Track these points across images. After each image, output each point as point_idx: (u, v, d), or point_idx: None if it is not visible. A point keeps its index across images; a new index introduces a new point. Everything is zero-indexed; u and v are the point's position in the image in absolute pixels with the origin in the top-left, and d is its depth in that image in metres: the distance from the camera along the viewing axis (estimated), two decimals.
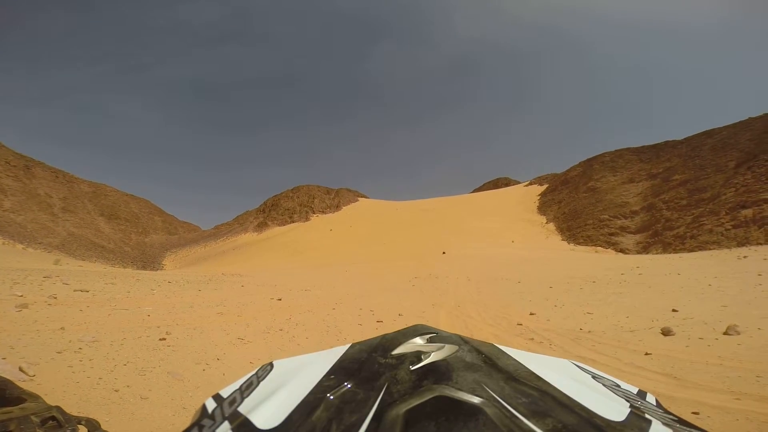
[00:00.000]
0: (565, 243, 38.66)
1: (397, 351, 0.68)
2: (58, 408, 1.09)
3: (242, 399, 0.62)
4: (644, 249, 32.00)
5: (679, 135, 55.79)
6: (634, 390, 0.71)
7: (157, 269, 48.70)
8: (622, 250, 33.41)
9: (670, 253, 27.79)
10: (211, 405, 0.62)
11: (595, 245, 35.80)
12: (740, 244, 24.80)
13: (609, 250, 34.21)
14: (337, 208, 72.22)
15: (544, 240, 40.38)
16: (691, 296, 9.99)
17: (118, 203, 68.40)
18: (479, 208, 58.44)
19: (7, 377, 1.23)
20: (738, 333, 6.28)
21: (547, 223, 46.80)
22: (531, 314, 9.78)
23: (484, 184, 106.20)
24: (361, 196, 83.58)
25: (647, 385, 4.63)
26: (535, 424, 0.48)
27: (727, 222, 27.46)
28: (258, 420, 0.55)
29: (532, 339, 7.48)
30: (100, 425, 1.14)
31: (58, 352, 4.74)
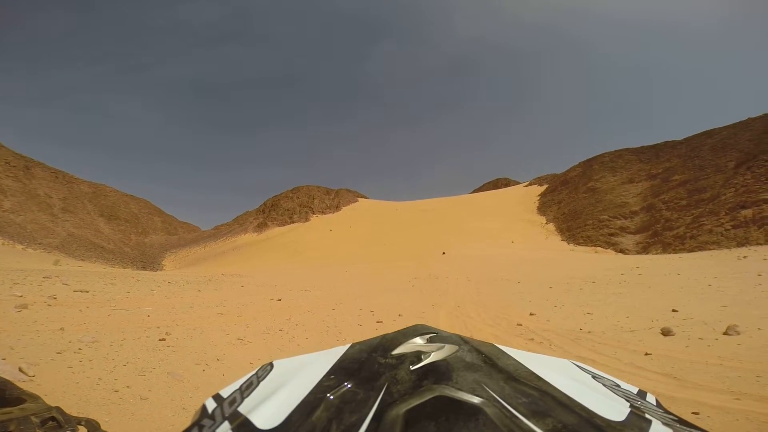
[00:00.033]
0: (564, 243, 38.66)
1: (397, 351, 0.68)
2: (58, 408, 1.09)
3: (242, 399, 0.62)
4: (644, 249, 32.01)
5: (679, 135, 55.87)
6: (634, 390, 0.71)
7: (157, 270, 48.68)
8: (621, 251, 33.41)
9: (669, 253, 27.80)
10: (211, 405, 0.62)
11: (595, 245, 35.80)
12: (740, 245, 24.81)
13: (609, 250, 34.21)
14: (337, 208, 72.22)
15: (544, 240, 40.38)
16: (691, 296, 10.00)
17: (117, 204, 68.38)
18: (479, 209, 58.44)
19: (7, 378, 1.23)
20: (738, 333, 6.28)
21: (546, 223, 46.81)
22: (531, 314, 9.78)
23: (483, 185, 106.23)
24: (361, 197, 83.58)
25: (647, 385, 4.63)
26: (535, 424, 0.48)
27: (726, 222, 27.47)
28: (258, 420, 0.55)
29: (532, 339, 7.48)
30: (99, 426, 1.14)
31: (58, 353, 4.74)
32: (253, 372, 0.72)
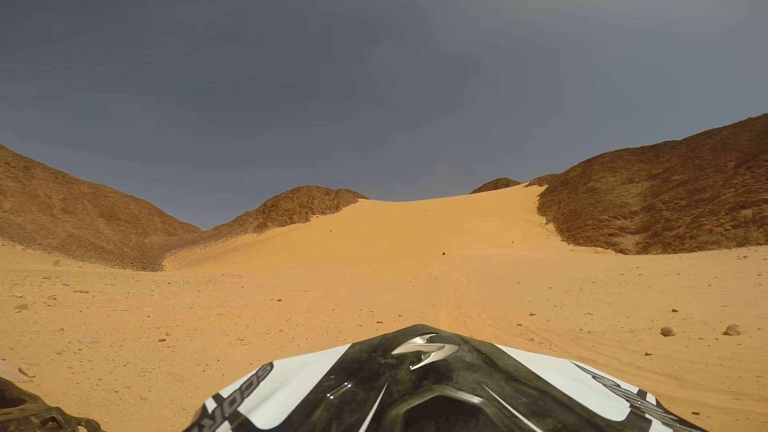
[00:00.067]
0: (564, 243, 38.66)
1: (397, 351, 0.68)
2: (58, 409, 1.09)
3: (242, 399, 0.62)
4: (644, 249, 32.01)
5: (679, 135, 55.87)
6: (634, 390, 0.71)
7: (157, 270, 48.67)
8: (621, 251, 33.41)
9: (669, 253, 27.80)
10: (211, 405, 0.62)
11: (595, 246, 35.80)
12: (740, 245, 24.81)
13: (609, 250, 34.21)
14: (337, 208, 72.22)
15: (544, 240, 40.38)
16: (691, 296, 10.00)
17: (117, 204, 68.37)
18: (479, 209, 58.44)
19: (7, 378, 1.23)
20: (738, 333, 6.28)
21: (546, 223, 46.81)
22: (531, 315, 9.77)
23: (483, 185, 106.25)
24: (361, 197, 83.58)
25: (647, 385, 4.62)
26: (535, 424, 0.48)
27: (726, 222, 27.48)
28: (258, 420, 0.55)
29: (532, 339, 7.48)
30: (99, 426, 1.14)
31: (58, 353, 4.74)
32: (253, 372, 0.72)
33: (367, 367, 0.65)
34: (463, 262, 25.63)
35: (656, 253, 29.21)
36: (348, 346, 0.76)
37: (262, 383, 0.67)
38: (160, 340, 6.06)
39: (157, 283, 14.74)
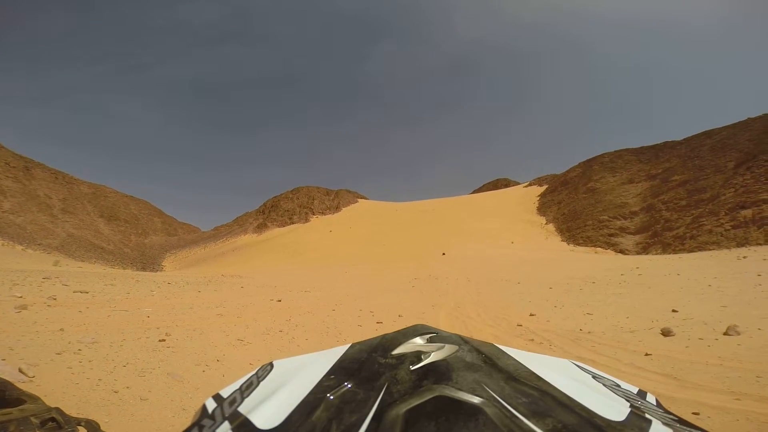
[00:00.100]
0: (564, 244, 38.66)
1: (397, 351, 0.68)
2: (58, 409, 1.09)
3: (242, 399, 0.62)
4: (644, 250, 32.01)
5: (679, 135, 55.82)
6: (635, 390, 0.71)
7: (157, 270, 48.66)
8: (621, 251, 33.41)
9: (669, 253, 27.80)
10: (211, 405, 0.62)
11: (595, 246, 35.80)
12: (740, 245, 24.81)
13: (608, 250, 34.21)
14: (337, 209, 72.21)
15: (544, 241, 40.38)
16: (691, 297, 9.99)
17: (117, 204, 68.35)
18: (479, 209, 58.44)
19: (7, 378, 1.23)
20: (738, 333, 6.28)
21: (546, 224, 46.81)
22: (531, 315, 9.77)
23: (483, 185, 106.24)
24: (361, 197, 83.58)
25: (647, 385, 4.62)
26: (535, 424, 0.48)
27: (726, 222, 27.48)
28: (258, 420, 0.55)
29: (532, 340, 7.48)
30: (99, 426, 1.14)
31: (58, 354, 4.73)
32: (253, 372, 0.72)
33: (367, 367, 0.65)
34: (463, 262, 25.63)
35: (656, 254, 29.21)
36: (348, 346, 0.76)
37: (262, 383, 0.67)
38: (160, 341, 6.06)
39: (157, 283, 14.74)
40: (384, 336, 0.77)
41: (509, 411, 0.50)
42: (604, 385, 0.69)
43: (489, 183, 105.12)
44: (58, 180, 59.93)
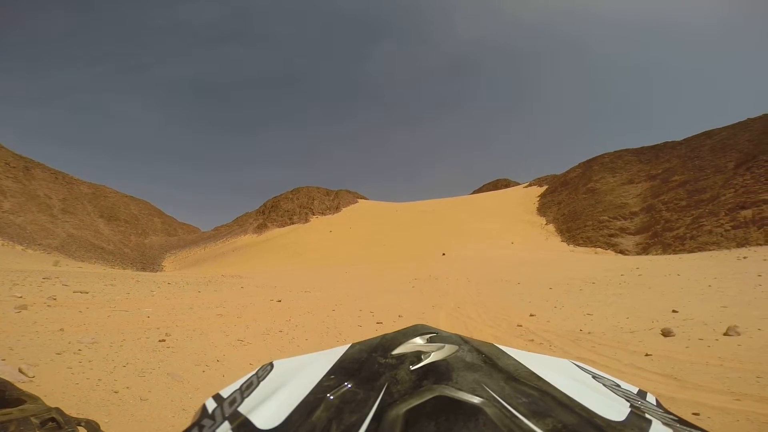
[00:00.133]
0: (564, 244, 38.65)
1: (397, 351, 0.68)
2: (58, 409, 1.09)
3: (242, 399, 0.62)
4: (644, 250, 32.00)
5: (679, 136, 55.82)
6: (635, 390, 0.71)
7: (157, 271, 48.66)
8: (621, 251, 33.41)
9: (669, 254, 27.79)
10: (211, 405, 0.62)
11: (595, 246, 35.79)
12: (740, 245, 24.81)
13: (608, 251, 34.20)
14: (337, 209, 72.21)
15: (544, 241, 40.38)
16: (691, 297, 9.99)
17: (117, 205, 68.36)
18: (479, 210, 58.44)
19: (7, 378, 1.23)
20: (738, 334, 6.28)
21: (546, 224, 46.80)
22: (531, 315, 9.77)
23: (483, 186, 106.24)
24: (361, 198, 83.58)
25: (647, 386, 4.62)
26: (535, 424, 0.48)
27: (726, 223, 27.48)
28: (258, 420, 0.55)
29: (532, 340, 7.48)
30: (99, 427, 1.14)
31: (58, 354, 4.73)
32: (254, 372, 0.72)
33: (367, 367, 0.65)
34: (463, 262, 25.63)
35: (656, 254, 29.20)
36: (348, 346, 0.76)
37: (262, 383, 0.67)
38: (159, 341, 6.06)
39: (157, 283, 14.73)
40: (384, 336, 0.77)
41: (509, 411, 0.50)
42: (604, 385, 0.69)
43: (489, 183, 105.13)
44: (58, 180, 59.94)
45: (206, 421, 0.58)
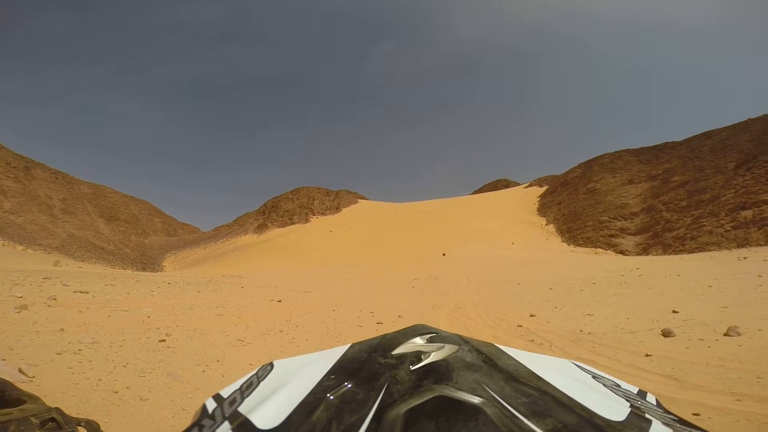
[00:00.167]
0: (565, 245, 38.64)
1: (397, 351, 0.68)
2: (58, 409, 1.09)
3: (242, 399, 0.62)
4: (644, 250, 31.99)
5: (679, 136, 55.78)
6: (635, 390, 0.71)
7: (157, 271, 48.67)
8: (622, 252, 33.40)
9: (670, 254, 27.78)
10: (211, 405, 0.62)
11: (595, 247, 35.78)
12: (740, 246, 24.80)
13: (609, 251, 34.19)
14: (337, 209, 72.22)
15: (544, 242, 40.37)
16: (692, 297, 9.98)
17: (117, 205, 68.38)
18: (479, 210, 58.43)
19: (7, 378, 1.23)
20: (738, 334, 6.27)
21: (547, 224, 46.79)
22: (531, 316, 9.77)
23: (483, 186, 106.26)
24: (361, 198, 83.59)
25: (648, 386, 4.61)
26: (535, 424, 0.48)
27: (726, 223, 27.47)
28: (258, 420, 0.55)
29: (533, 341, 7.47)
30: (99, 427, 1.14)
31: (58, 354, 4.73)
32: (254, 372, 0.72)
33: (367, 367, 0.65)
34: (463, 263, 25.62)
35: (656, 254, 29.19)
36: (348, 346, 0.76)
37: (262, 383, 0.67)
38: (160, 341, 6.06)
39: (157, 283, 14.74)
40: (384, 336, 0.77)
41: (509, 411, 0.50)
42: (604, 385, 0.69)
43: (489, 184, 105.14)
44: (59, 180, 59.97)
45: (206, 421, 0.58)
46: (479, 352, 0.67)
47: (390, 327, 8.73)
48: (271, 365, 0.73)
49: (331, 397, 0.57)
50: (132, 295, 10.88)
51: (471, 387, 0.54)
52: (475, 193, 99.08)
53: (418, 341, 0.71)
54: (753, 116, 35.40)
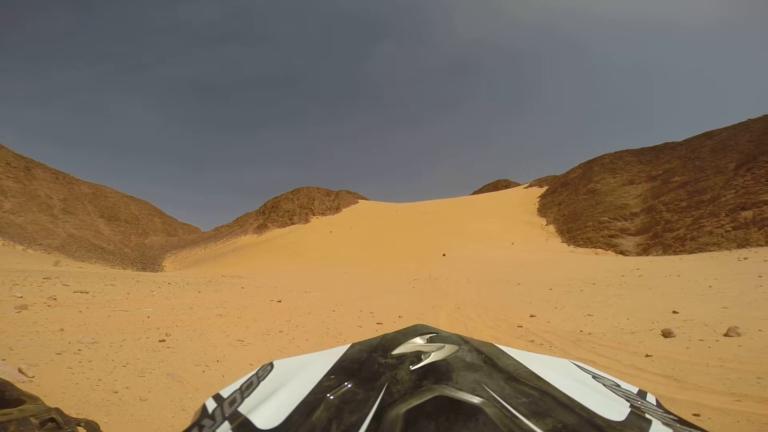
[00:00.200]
0: (565, 245, 38.64)
1: (397, 351, 0.68)
2: (58, 410, 1.09)
3: (242, 399, 0.62)
4: (644, 251, 31.99)
5: (679, 136, 55.80)
6: (635, 390, 0.71)
7: (157, 271, 48.67)
8: (622, 252, 33.39)
9: (670, 254, 27.78)
10: (211, 405, 0.62)
11: (595, 247, 35.78)
12: (740, 246, 24.79)
13: (609, 252, 34.19)
14: (337, 209, 72.23)
15: (544, 242, 40.36)
16: (692, 298, 9.98)
17: (118, 205, 68.40)
18: (479, 210, 58.44)
19: (7, 379, 1.23)
20: (738, 335, 6.27)
21: (547, 225, 46.80)
22: (531, 316, 9.76)
23: (483, 186, 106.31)
24: (361, 198, 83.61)
25: (648, 387, 4.60)
26: (535, 424, 0.48)
27: (727, 224, 27.46)
28: (258, 420, 0.55)
29: (533, 341, 7.47)
30: (99, 427, 1.14)
31: (58, 354, 4.73)
32: (254, 372, 0.72)
33: (367, 367, 0.65)
34: (463, 263, 25.62)
35: (657, 255, 29.19)
36: (348, 346, 0.76)
37: (262, 383, 0.67)
38: (160, 341, 6.05)
39: (157, 283, 14.74)
40: (384, 336, 0.77)
41: (509, 411, 0.50)
42: (604, 385, 0.69)
43: (489, 184, 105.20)
44: (59, 180, 59.99)
45: (206, 421, 0.58)
46: (479, 352, 0.67)
47: (390, 327, 8.73)
48: (271, 365, 0.73)
49: (331, 397, 0.57)
50: (132, 295, 10.88)
51: (471, 387, 0.54)
52: (475, 193, 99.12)
53: (418, 341, 0.71)
54: (753, 117, 35.43)
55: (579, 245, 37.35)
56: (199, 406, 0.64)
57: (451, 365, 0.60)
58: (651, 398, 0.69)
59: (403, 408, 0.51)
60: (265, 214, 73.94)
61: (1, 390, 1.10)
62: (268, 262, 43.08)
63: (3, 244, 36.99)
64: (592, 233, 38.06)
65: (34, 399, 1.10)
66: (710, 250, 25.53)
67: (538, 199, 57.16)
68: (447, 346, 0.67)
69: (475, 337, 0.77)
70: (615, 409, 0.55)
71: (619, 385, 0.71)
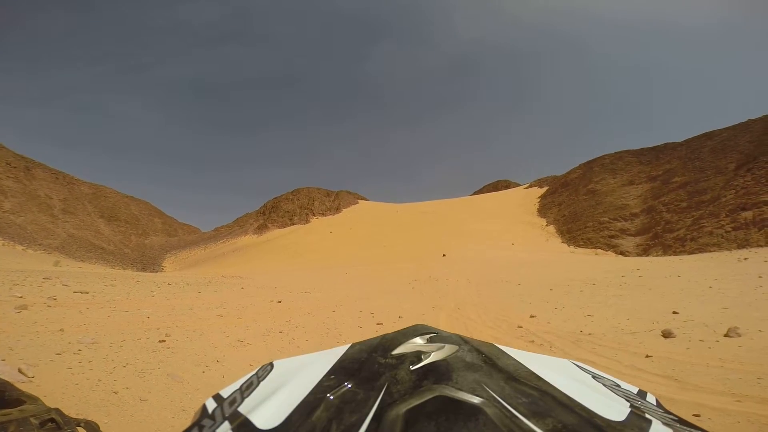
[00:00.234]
0: (565, 245, 38.64)
1: (397, 351, 0.68)
2: (57, 410, 1.09)
3: (242, 399, 0.62)
4: (644, 251, 31.98)
5: (679, 137, 55.82)
6: (635, 390, 0.71)
7: (157, 271, 48.66)
8: (622, 253, 33.38)
9: (670, 255, 27.77)
10: (211, 405, 0.62)
11: (595, 247, 35.78)
12: (740, 246, 24.79)
13: (609, 252, 34.19)
14: (337, 210, 72.22)
15: (544, 242, 40.36)
16: (692, 298, 9.98)
17: (118, 205, 68.41)
18: (479, 211, 58.45)
19: (6, 379, 1.23)
20: (739, 335, 6.27)
21: (547, 225, 46.80)
22: (531, 317, 9.76)
23: (483, 187, 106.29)
24: (361, 199, 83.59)
25: (648, 387, 4.59)
26: (535, 424, 0.48)
27: (727, 224, 27.46)
28: (258, 420, 0.55)
29: (533, 341, 7.47)
30: (99, 427, 1.14)
31: (58, 354, 4.73)
32: (254, 372, 0.72)
33: (367, 367, 0.65)
34: (464, 263, 25.61)
35: (657, 255, 29.18)
36: (348, 346, 0.76)
37: (262, 383, 0.67)
38: (159, 341, 6.05)
39: (158, 284, 14.74)
40: (384, 336, 0.76)
41: (509, 411, 0.50)
42: (604, 385, 0.69)
43: (489, 184, 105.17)
44: (59, 180, 60.01)
45: (206, 421, 0.58)
46: (479, 352, 0.67)
47: (390, 327, 8.71)
48: (271, 365, 0.73)
49: (331, 397, 0.57)
50: (132, 295, 10.88)
51: (471, 387, 0.54)
52: (475, 193, 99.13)
53: (418, 341, 0.71)
54: (753, 117, 35.44)
55: (579, 246, 37.35)
56: (199, 407, 0.64)
57: (451, 365, 0.60)
58: (651, 398, 0.69)
59: (403, 408, 0.51)
60: (265, 215, 73.93)
61: (1, 390, 1.10)
62: (268, 262, 43.07)
63: (3, 244, 37.00)
64: (592, 234, 38.06)
65: (34, 399, 1.10)
66: (710, 251, 25.53)
67: (538, 200, 57.16)
68: (447, 346, 0.67)
69: (475, 338, 0.77)
70: (615, 409, 0.55)
71: (619, 385, 0.71)
